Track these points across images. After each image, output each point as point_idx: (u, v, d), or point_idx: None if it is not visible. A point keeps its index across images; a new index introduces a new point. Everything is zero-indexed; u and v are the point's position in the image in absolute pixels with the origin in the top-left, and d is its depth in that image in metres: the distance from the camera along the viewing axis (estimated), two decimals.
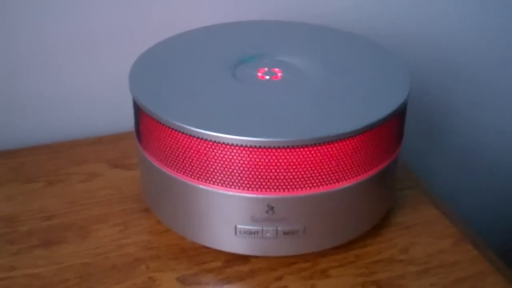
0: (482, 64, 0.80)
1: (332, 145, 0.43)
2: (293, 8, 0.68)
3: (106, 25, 0.63)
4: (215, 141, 0.43)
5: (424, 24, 0.75)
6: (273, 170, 0.43)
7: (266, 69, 0.51)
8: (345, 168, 0.45)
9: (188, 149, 0.44)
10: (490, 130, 0.85)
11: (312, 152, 0.43)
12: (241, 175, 0.43)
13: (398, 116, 0.48)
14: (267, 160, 0.43)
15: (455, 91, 0.81)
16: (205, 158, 0.44)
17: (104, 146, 0.63)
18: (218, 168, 0.44)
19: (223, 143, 0.43)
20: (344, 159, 0.44)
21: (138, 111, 0.48)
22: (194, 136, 0.43)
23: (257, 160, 0.43)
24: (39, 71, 0.64)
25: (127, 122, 0.55)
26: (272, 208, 0.45)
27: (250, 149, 0.43)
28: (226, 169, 0.44)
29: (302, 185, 0.44)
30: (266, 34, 0.58)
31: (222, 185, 0.44)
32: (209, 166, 0.44)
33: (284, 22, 0.61)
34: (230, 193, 0.44)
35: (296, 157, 0.43)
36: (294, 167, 0.43)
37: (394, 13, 0.73)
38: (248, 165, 0.43)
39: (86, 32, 0.63)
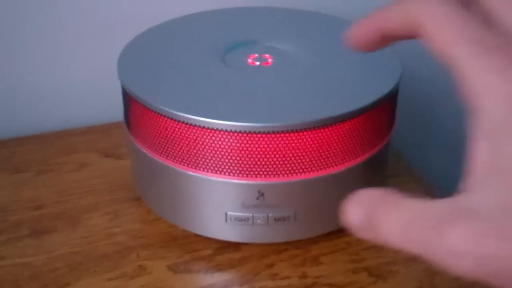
0: None
1: (323, 130, 0.43)
2: None
3: (95, 14, 0.63)
4: (204, 127, 0.42)
5: None
6: (263, 156, 0.43)
7: (256, 55, 0.51)
8: (336, 153, 0.44)
9: (177, 135, 0.44)
10: None
11: (303, 137, 0.43)
12: (231, 161, 0.43)
13: (390, 101, 0.47)
14: (257, 146, 0.42)
15: (448, 79, 0.81)
16: (194, 144, 0.43)
17: (94, 135, 0.62)
18: (208, 154, 0.43)
19: (213, 128, 0.42)
20: (335, 144, 0.44)
21: (127, 98, 0.48)
22: (184, 122, 0.43)
23: (247, 145, 0.42)
24: (28, 62, 0.63)
25: (118, 112, 0.54)
26: (262, 194, 0.44)
27: (240, 135, 0.42)
28: (216, 155, 0.43)
29: (292, 171, 0.44)
30: (256, 20, 0.58)
31: (212, 172, 0.44)
32: (199, 152, 0.44)
33: (274, 8, 0.60)
34: (220, 179, 0.44)
35: (287, 142, 0.42)
36: (284, 152, 0.43)
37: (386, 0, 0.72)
38: (238, 151, 0.43)
39: (75, 22, 0.63)
